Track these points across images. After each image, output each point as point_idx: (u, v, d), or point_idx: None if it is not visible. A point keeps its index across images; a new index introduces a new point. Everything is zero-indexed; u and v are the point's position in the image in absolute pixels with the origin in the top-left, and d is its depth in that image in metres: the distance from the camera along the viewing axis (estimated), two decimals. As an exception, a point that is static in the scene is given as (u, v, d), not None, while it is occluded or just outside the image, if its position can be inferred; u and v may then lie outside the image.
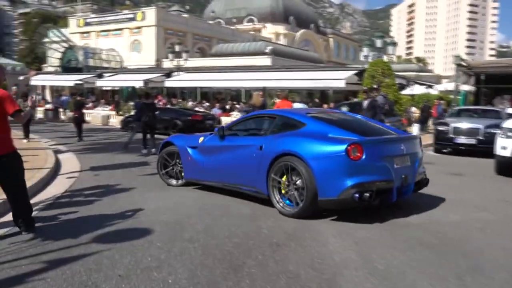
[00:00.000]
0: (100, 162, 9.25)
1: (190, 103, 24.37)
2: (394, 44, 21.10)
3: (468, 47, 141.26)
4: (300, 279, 3.25)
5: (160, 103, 21.83)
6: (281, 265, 3.52)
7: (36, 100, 30.44)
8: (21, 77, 39.22)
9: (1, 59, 54.04)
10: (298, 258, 3.68)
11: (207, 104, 24.81)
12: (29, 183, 6.30)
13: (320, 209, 5.01)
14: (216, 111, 21.09)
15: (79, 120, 14.11)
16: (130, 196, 6.11)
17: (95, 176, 7.72)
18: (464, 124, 11.73)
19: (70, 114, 19.03)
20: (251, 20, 56.03)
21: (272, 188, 5.24)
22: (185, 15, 46.80)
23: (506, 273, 3.46)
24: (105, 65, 38.26)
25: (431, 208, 5.57)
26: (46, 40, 43.66)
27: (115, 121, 22.44)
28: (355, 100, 16.64)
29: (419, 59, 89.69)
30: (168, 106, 21.28)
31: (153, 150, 10.73)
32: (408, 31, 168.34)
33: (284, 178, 5.16)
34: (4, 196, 5.06)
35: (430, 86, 26.46)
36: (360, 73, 20.07)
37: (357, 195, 4.66)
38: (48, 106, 28.12)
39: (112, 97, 30.84)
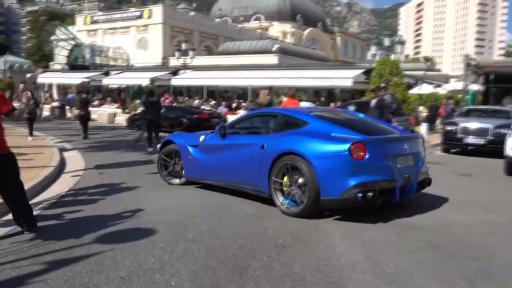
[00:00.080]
0: (105, 161, 9.22)
1: (196, 101, 24.34)
2: (402, 42, 20.91)
3: (476, 46, 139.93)
4: (306, 282, 3.17)
5: (167, 101, 21.82)
6: (287, 267, 3.44)
7: (39, 96, 30.66)
8: (28, 75, 39.51)
9: (9, 56, 54.44)
10: (304, 260, 3.60)
11: (214, 102, 24.77)
12: (33, 181, 6.30)
13: (323, 209, 4.95)
14: (222, 109, 21.03)
15: (84, 118, 14.11)
16: (135, 195, 6.06)
17: (99, 174, 7.68)
18: (473, 124, 11.58)
19: (76, 111, 19.04)
20: (258, 19, 55.93)
21: (274, 191, 5.19)
22: (192, 13, 46.79)
23: (518, 278, 3.35)
24: (111, 63, 38.37)
25: (438, 209, 5.47)
26: (53, 38, 43.88)
27: (121, 119, 22.47)
28: (363, 99, 16.49)
29: (427, 58, 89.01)
30: (175, 104, 21.27)
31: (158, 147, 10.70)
32: (416, 30, 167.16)
33: (285, 178, 5.11)
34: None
35: (438, 86, 26.19)
36: (367, 72, 19.92)
37: (360, 194, 4.60)
38: (55, 103, 28.23)
39: (119, 95, 30.89)
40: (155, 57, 38.48)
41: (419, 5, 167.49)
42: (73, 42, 38.57)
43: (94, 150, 11.26)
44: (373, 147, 4.80)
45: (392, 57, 19.75)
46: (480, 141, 11.22)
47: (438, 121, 19.35)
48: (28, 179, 6.32)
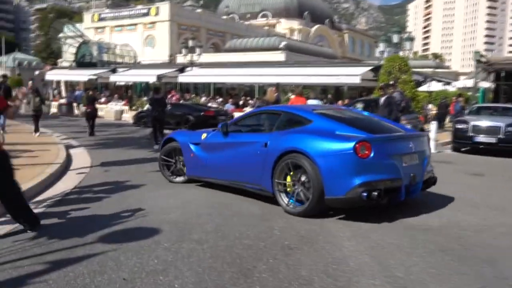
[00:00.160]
0: (111, 158, 9.17)
1: (203, 99, 24.28)
2: (411, 39, 20.65)
3: (486, 43, 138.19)
4: (313, 286, 3.07)
5: (173, 98, 21.78)
6: (293, 270, 3.34)
7: (48, 93, 30.67)
8: (37, 72, 39.71)
9: (18, 54, 54.79)
10: (311, 263, 3.49)
11: (220, 99, 24.69)
12: (38, 178, 6.26)
13: (328, 208, 4.86)
14: (229, 106, 20.93)
15: (91, 115, 14.11)
16: (140, 193, 5.99)
17: (105, 172, 7.63)
18: (484, 122, 11.39)
19: (83, 108, 19.06)
20: (265, 16, 55.70)
21: (278, 193, 5.11)
22: (199, 10, 46.74)
23: (535, 283, 3.22)
24: (119, 60, 38.42)
25: (450, 210, 5.33)
26: (61, 35, 44.02)
27: (128, 116, 22.47)
28: (371, 96, 16.31)
29: (436, 55, 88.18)
30: (182, 101, 21.22)
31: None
32: (424, 27, 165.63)
33: (289, 179, 5.02)
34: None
35: (447, 83, 25.90)
36: (375, 69, 19.71)
37: (365, 194, 4.52)
38: (62, 101, 28.33)
39: (126, 92, 30.93)
40: (162, 54, 38.47)
41: (427, 1, 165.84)
42: (80, 40, 38.66)
43: (101, 147, 11.24)
44: (378, 145, 4.71)
45: (401, 54, 19.50)
46: (491, 139, 11.02)
47: (447, 119, 19.12)
48: (33, 177, 6.29)
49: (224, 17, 50.71)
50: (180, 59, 33.23)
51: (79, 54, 38.38)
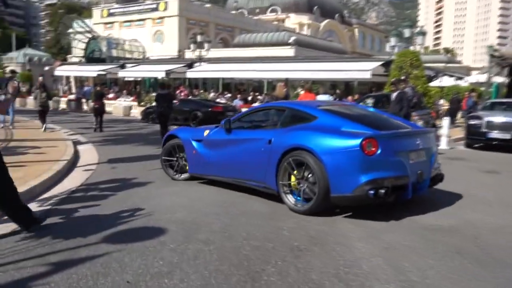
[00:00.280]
0: (119, 154, 9.11)
1: (211, 94, 24.19)
2: (423, 33, 20.28)
3: (499, 37, 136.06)
4: (324, 291, 2.94)
5: (182, 94, 21.73)
6: (303, 273, 3.21)
7: (57, 89, 30.80)
8: (47, 68, 39.96)
9: (28, 49, 55.19)
10: (321, 266, 3.36)
11: (229, 95, 24.58)
12: (45, 175, 6.20)
13: (334, 206, 4.75)
14: (237, 102, 20.80)
15: (99, 111, 14.09)
16: (146, 191, 5.90)
17: (112, 169, 7.56)
18: (498, 118, 11.14)
19: (92, 104, 19.08)
20: (274, 10, 55.34)
21: (284, 195, 4.99)
22: (208, 5, 46.51)
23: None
24: (127, 55, 38.48)
25: (463, 208, 5.16)
26: (70, 30, 44.18)
27: (137, 112, 22.45)
28: (383, 91, 16.04)
29: (447, 50, 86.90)
30: (190, 97, 21.14)
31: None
32: (436, 21, 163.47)
33: (293, 178, 4.91)
34: (23, 187, 4.92)
35: (459, 78, 25.47)
36: (386, 64, 19.44)
37: (371, 191, 4.40)
38: (71, 96, 28.46)
39: (135, 88, 30.96)
40: (170, 49, 38.42)
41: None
42: (90, 35, 38.76)
43: (109, 143, 11.19)
44: (385, 142, 4.59)
45: (412, 48, 19.18)
46: (506, 135, 10.78)
47: (459, 115, 18.80)
48: (40, 174, 6.24)
49: (233, 12, 50.47)
50: (189, 54, 33.13)
51: (88, 50, 38.49)
